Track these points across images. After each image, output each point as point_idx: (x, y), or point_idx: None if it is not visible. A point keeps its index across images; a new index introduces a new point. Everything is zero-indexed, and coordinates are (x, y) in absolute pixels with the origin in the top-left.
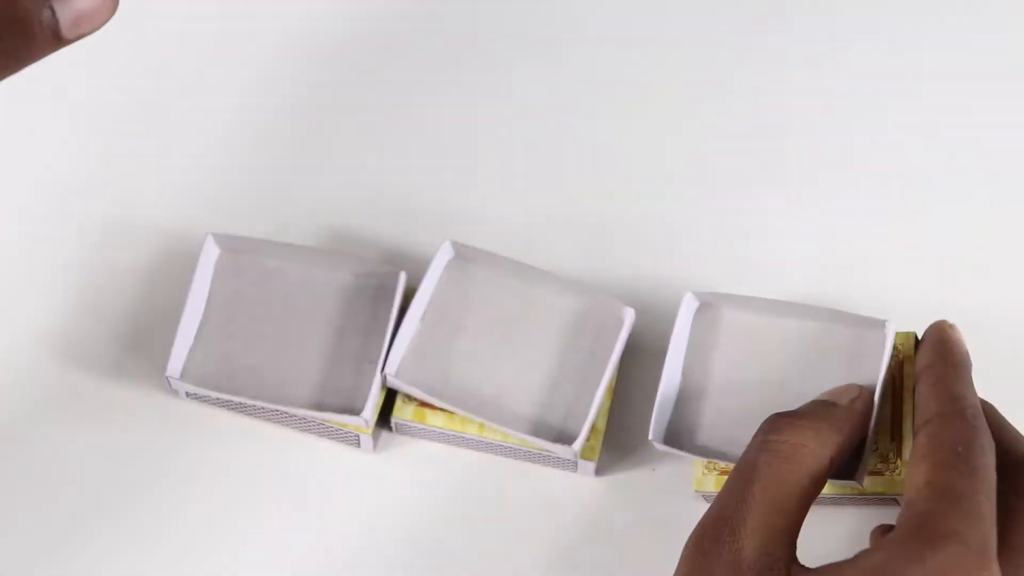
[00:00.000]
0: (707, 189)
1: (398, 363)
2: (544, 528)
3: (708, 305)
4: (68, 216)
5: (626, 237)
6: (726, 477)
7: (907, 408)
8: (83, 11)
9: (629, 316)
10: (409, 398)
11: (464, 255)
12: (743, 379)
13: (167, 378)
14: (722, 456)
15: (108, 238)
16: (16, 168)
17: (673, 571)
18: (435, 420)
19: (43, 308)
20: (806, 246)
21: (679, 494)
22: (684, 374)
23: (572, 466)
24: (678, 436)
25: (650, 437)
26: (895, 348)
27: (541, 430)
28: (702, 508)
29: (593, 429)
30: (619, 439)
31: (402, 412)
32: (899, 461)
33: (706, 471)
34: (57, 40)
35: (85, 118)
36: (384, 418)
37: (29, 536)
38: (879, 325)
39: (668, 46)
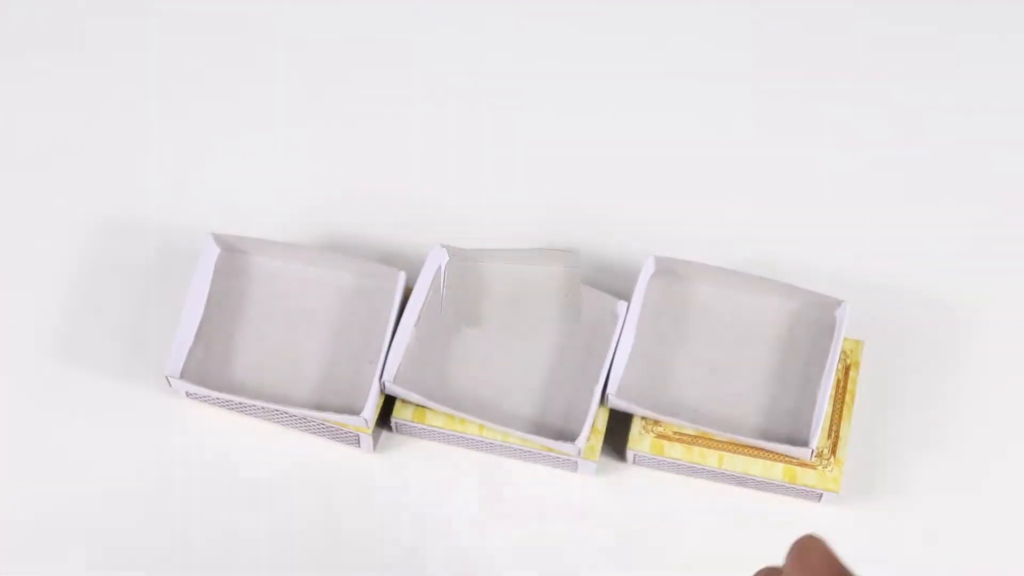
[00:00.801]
0: (680, 181)
1: (395, 369)
2: (545, 526)
3: (670, 272)
4: (68, 216)
5: (622, 228)
6: (663, 441)
7: (847, 412)
8: None
9: (623, 310)
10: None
11: (458, 258)
12: (697, 347)
13: (167, 378)
14: (672, 416)
15: (108, 238)
16: (16, 167)
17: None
18: (435, 420)
19: (43, 308)
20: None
21: (678, 493)
22: (640, 337)
23: (573, 465)
24: (634, 394)
25: (608, 392)
26: (843, 353)
27: (542, 430)
28: (704, 506)
29: (593, 429)
30: (619, 438)
31: (402, 412)
32: (833, 459)
33: (643, 432)
34: None
35: (86, 117)
36: (384, 418)
37: (29, 534)
38: (835, 304)
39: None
